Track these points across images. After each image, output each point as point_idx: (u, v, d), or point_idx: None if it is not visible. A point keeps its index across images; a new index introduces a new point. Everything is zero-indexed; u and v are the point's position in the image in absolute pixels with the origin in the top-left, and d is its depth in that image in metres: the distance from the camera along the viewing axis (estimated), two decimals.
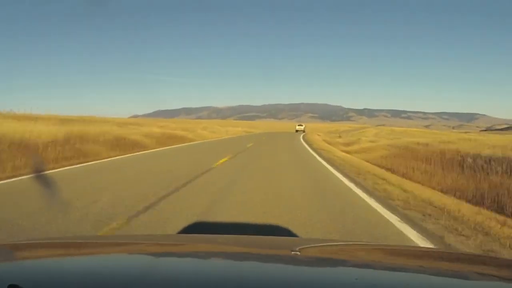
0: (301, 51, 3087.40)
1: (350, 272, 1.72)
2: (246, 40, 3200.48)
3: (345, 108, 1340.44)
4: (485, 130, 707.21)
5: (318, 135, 66.57)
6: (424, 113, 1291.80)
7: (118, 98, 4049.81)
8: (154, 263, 1.77)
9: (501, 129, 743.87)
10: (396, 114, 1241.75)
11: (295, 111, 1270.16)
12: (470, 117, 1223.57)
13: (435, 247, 5.28)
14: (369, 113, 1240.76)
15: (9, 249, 2.01)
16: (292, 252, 2.06)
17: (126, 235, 4.89)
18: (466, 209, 8.56)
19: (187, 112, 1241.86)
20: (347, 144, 42.11)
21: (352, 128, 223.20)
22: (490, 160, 16.19)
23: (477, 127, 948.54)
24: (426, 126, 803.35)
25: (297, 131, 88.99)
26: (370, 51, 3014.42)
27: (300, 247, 2.23)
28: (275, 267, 1.77)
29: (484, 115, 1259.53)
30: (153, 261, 1.83)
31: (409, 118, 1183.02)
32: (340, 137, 62.97)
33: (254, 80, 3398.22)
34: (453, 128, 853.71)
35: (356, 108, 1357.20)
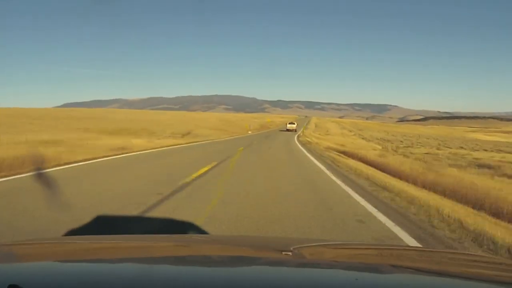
0: (214, 43, 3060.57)
1: (350, 272, 1.69)
2: (160, 31, 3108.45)
3: (259, 100, 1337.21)
4: (401, 121, 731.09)
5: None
6: (337, 104, 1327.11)
7: (25, 90, 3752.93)
8: (152, 263, 1.78)
9: (419, 120, 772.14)
10: (310, 105, 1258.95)
11: (208, 103, 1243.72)
12: (382, 108, 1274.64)
13: (435, 248, 5.08)
14: (283, 105, 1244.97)
15: (9, 249, 2.00)
16: (290, 252, 2.03)
17: (126, 235, 4.53)
18: None
19: (97, 104, 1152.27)
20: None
21: (285, 117, 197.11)
22: None
23: (390, 118, 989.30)
24: (340, 117, 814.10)
25: (288, 130, 73.49)
26: (283, 44, 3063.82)
27: (296, 246, 2.20)
28: (273, 267, 1.75)
29: (396, 106, 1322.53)
30: (151, 261, 1.84)
31: (322, 109, 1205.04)
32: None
33: (166, 72, 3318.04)
34: (367, 119, 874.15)
35: (270, 99, 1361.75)
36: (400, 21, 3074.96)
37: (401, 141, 73.69)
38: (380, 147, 47.09)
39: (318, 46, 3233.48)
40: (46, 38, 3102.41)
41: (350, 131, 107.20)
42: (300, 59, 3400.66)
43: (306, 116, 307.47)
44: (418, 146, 55.87)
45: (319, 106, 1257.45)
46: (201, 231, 5.57)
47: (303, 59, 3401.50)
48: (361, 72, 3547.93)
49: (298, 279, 1.52)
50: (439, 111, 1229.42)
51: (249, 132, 67.90)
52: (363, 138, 75.10)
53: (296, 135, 55.70)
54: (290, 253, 1.99)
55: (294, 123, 78.53)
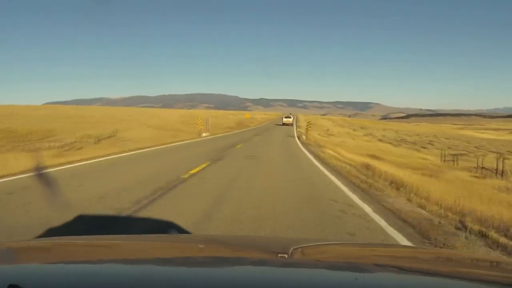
0: (197, 42, 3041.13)
1: (349, 272, 1.68)
2: (143, 30, 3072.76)
3: (241, 98, 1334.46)
4: (384, 119, 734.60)
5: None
6: (320, 102, 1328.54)
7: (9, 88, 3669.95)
8: (153, 264, 1.79)
9: (401, 117, 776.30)
10: (292, 103, 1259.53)
11: (191, 101, 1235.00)
12: (364, 106, 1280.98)
13: (435, 247, 5.03)
14: (265, 103, 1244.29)
15: (9, 249, 2.00)
16: (289, 252, 2.01)
17: (124, 235, 4.46)
18: None
19: (79, 103, 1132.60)
20: None
21: (267, 114, 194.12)
22: None
23: (373, 115, 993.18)
24: (323, 115, 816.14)
25: (284, 124, 70.42)
26: (265, 42, 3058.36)
27: (295, 246, 2.19)
28: (272, 268, 1.74)
29: (378, 103, 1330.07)
30: (152, 261, 1.85)
31: (305, 107, 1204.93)
32: None
33: (149, 71, 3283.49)
34: (349, 116, 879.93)
35: (253, 98, 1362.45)
36: (381, 20, 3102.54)
37: (430, 143, 67.26)
38: (431, 158, 35.04)
39: (300, 45, 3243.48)
40: (29, 35, 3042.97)
41: (354, 130, 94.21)
42: (283, 58, 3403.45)
43: (290, 113, 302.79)
44: (460, 151, 47.17)
45: (301, 104, 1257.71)
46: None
47: (286, 58, 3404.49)
48: (343, 71, 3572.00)
49: (298, 279, 1.51)
50: (421, 109, 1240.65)
51: (204, 134, 37.87)
52: (379, 140, 66.74)
53: (298, 139, 35.80)
54: (289, 253, 1.96)
55: (290, 117, 75.12)
